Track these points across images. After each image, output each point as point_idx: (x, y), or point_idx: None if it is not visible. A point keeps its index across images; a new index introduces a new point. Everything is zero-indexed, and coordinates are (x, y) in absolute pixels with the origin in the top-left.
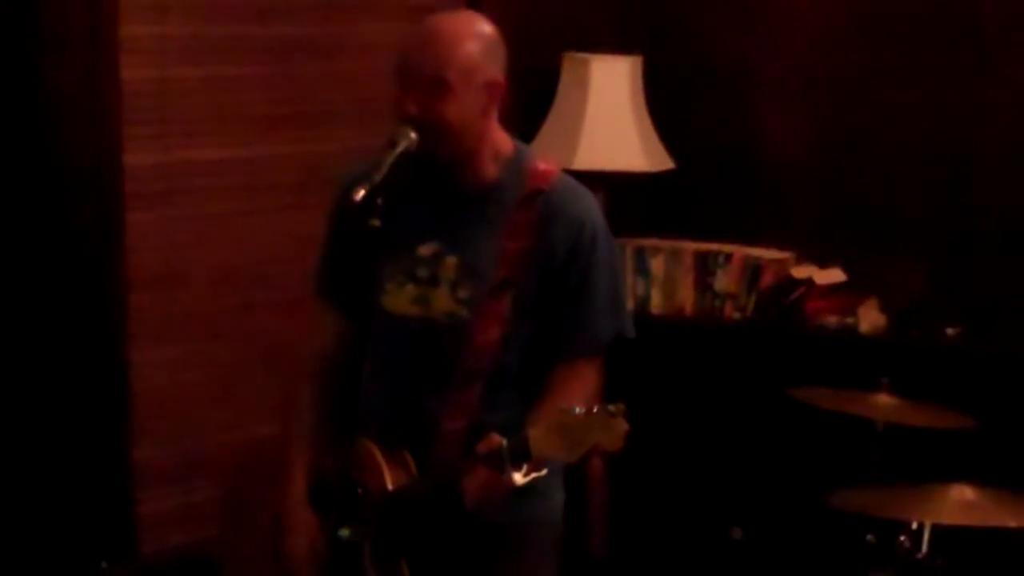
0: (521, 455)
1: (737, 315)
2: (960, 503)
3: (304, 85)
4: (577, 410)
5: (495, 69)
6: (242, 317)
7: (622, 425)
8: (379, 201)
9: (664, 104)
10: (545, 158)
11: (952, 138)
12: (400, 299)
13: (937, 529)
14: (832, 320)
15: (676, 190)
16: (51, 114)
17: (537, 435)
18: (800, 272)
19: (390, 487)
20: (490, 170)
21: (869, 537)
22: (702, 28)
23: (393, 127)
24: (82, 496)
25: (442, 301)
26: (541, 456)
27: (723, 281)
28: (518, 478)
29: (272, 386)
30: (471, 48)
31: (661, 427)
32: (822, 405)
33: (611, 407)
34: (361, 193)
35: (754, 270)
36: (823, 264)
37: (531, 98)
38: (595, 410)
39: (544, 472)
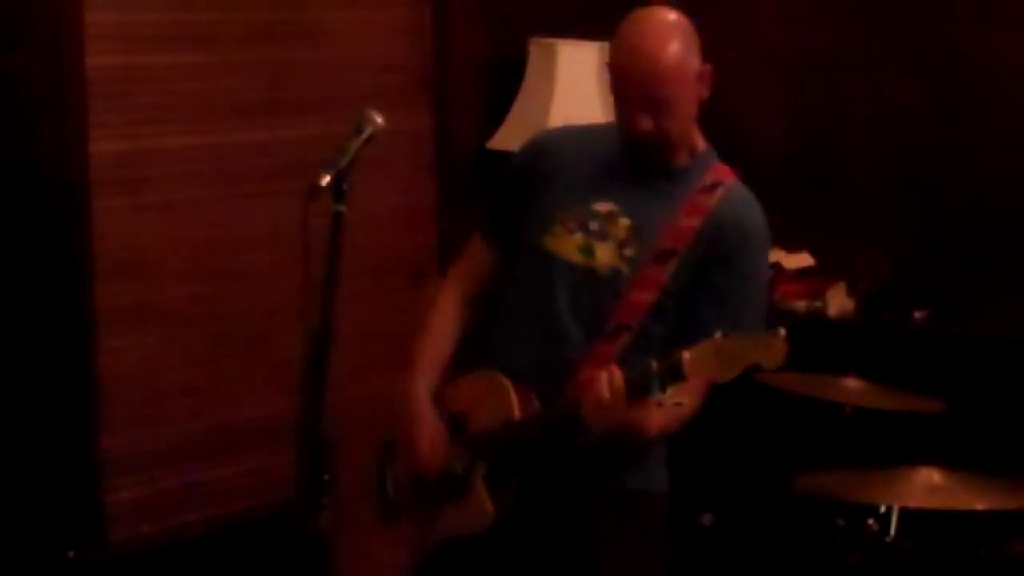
0: (672, 374)
1: None
2: (928, 486)
3: (274, 72)
4: (736, 335)
5: (698, 57)
6: (210, 305)
7: (783, 344)
8: (344, 187)
9: None
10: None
11: (921, 123)
12: (567, 243)
13: (905, 512)
14: (800, 304)
15: None
16: (15, 102)
17: (692, 356)
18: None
19: (517, 414)
20: (683, 158)
21: (839, 521)
22: None
23: (360, 112)
24: (49, 484)
25: (607, 254)
26: (695, 374)
27: None
28: (662, 397)
29: (241, 375)
30: (679, 52)
31: None
32: (790, 389)
33: (772, 330)
34: (327, 179)
35: None
36: (791, 248)
37: (499, 83)
38: (757, 334)
39: (685, 402)
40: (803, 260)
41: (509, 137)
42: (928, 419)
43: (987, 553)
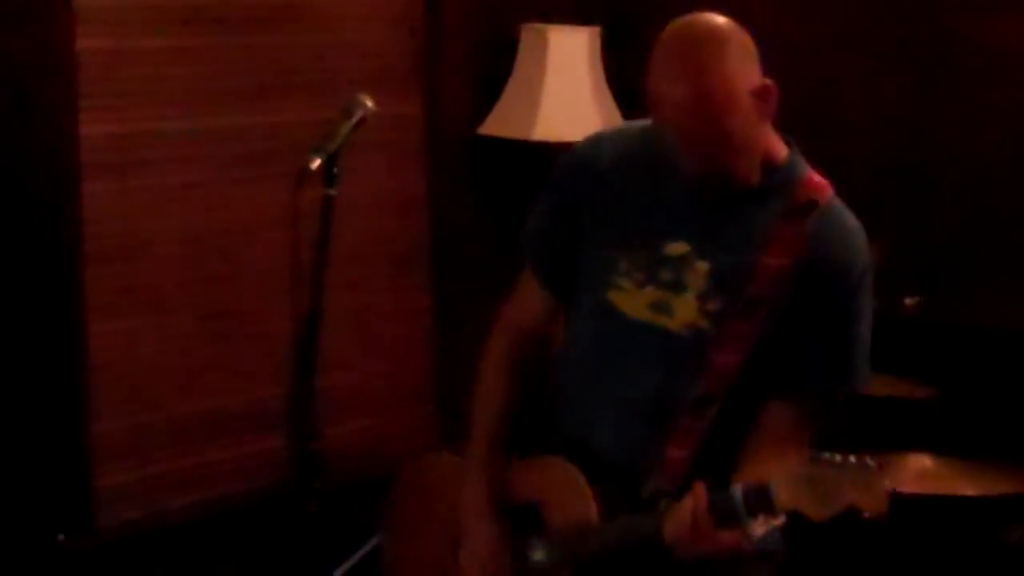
0: (760, 505)
1: None
2: (919, 472)
3: (263, 55)
4: (828, 456)
5: (755, 72)
6: (200, 289)
7: (883, 484)
8: (335, 171)
9: (623, 76)
10: (818, 173)
11: (911, 107)
12: (636, 301)
13: (896, 498)
14: None
15: None
16: (3, 85)
17: (782, 485)
18: None
19: (595, 517)
20: (756, 173)
21: None
22: None
23: (350, 96)
24: (39, 469)
25: (687, 311)
26: (787, 510)
27: None
28: (757, 530)
29: (231, 359)
30: (727, 75)
31: None
32: None
33: (868, 460)
34: (317, 163)
35: None
36: None
37: (489, 69)
38: (850, 460)
39: (781, 520)
40: None
41: (500, 123)
42: (920, 405)
43: (978, 539)
